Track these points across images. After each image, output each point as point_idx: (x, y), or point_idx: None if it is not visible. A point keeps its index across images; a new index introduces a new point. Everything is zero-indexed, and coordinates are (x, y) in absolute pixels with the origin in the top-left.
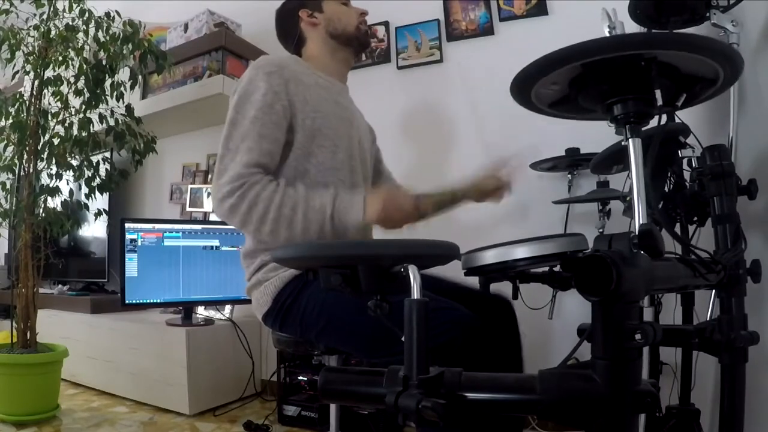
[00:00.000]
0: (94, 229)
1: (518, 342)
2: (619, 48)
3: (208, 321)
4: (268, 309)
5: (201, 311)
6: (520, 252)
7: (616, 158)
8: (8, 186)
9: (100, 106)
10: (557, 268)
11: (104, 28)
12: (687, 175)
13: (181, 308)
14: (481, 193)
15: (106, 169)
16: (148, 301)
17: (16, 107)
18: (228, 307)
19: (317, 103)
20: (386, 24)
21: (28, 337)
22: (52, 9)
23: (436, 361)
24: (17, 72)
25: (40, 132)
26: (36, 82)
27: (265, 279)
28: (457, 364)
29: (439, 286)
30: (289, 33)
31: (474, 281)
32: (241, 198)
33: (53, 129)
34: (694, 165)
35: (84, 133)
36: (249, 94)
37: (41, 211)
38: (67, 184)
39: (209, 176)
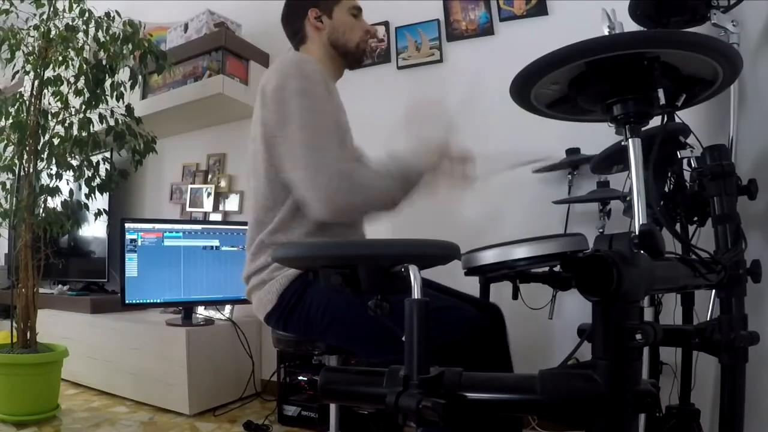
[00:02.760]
0: (94, 229)
1: (507, 349)
2: (622, 46)
3: (208, 321)
4: (272, 308)
5: (201, 311)
6: (520, 252)
7: (616, 158)
8: (8, 186)
9: (100, 106)
10: (557, 268)
11: (104, 28)
12: (687, 175)
13: (181, 308)
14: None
15: (106, 169)
16: (148, 301)
17: (16, 107)
18: (228, 307)
19: (337, 109)
20: (386, 24)
21: (28, 337)
22: (52, 9)
23: (440, 361)
24: (17, 72)
25: (40, 132)
26: (36, 82)
27: (270, 278)
28: (461, 363)
29: (433, 290)
30: (293, 24)
31: (474, 282)
32: (351, 177)
33: (53, 129)
34: (694, 165)
35: (84, 133)
36: (311, 88)
37: (41, 211)
38: (67, 184)
39: (209, 176)
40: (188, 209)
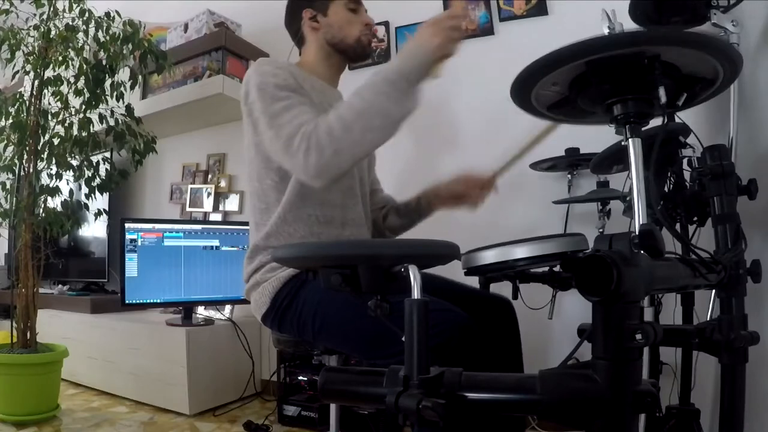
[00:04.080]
0: (94, 229)
1: (518, 342)
2: (623, 45)
3: (208, 321)
4: (266, 309)
5: (201, 311)
6: (520, 252)
7: (616, 158)
8: (8, 186)
9: (100, 106)
10: (557, 268)
11: (104, 28)
12: (687, 175)
13: (181, 308)
14: (452, 196)
15: (106, 169)
16: (148, 301)
17: (16, 107)
18: (228, 307)
19: (318, 109)
20: (386, 24)
21: (28, 337)
22: (52, 9)
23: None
24: (17, 72)
25: (40, 132)
26: (36, 82)
27: (264, 280)
28: (451, 365)
29: (438, 286)
30: (292, 27)
31: (474, 281)
32: (314, 133)
33: (53, 129)
34: (694, 165)
35: (84, 133)
36: (267, 83)
37: (41, 211)
38: (67, 184)
39: (209, 176)
40: (188, 209)
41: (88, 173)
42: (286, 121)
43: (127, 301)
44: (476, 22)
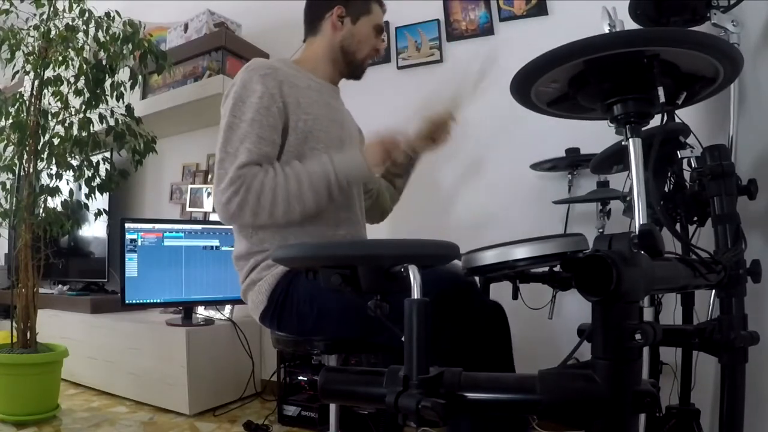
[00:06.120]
0: (94, 229)
1: (509, 348)
2: (621, 44)
3: (208, 321)
4: (264, 308)
5: (201, 311)
6: (520, 252)
7: (616, 158)
8: (8, 186)
9: (100, 106)
10: (557, 268)
11: (104, 28)
12: (687, 175)
13: (181, 308)
14: (428, 136)
15: (106, 169)
16: (148, 301)
17: (16, 107)
18: (228, 307)
19: (309, 106)
20: (386, 24)
21: (28, 337)
22: (52, 9)
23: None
24: (17, 72)
25: (40, 132)
26: (36, 82)
27: (259, 278)
28: (449, 320)
29: None
30: (314, 12)
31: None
32: (246, 191)
33: (53, 129)
34: (694, 165)
35: (84, 133)
36: (245, 97)
37: (41, 211)
38: (67, 184)
39: (209, 176)
40: (188, 209)
41: (88, 173)
42: (235, 151)
43: (127, 301)
44: (476, 22)
